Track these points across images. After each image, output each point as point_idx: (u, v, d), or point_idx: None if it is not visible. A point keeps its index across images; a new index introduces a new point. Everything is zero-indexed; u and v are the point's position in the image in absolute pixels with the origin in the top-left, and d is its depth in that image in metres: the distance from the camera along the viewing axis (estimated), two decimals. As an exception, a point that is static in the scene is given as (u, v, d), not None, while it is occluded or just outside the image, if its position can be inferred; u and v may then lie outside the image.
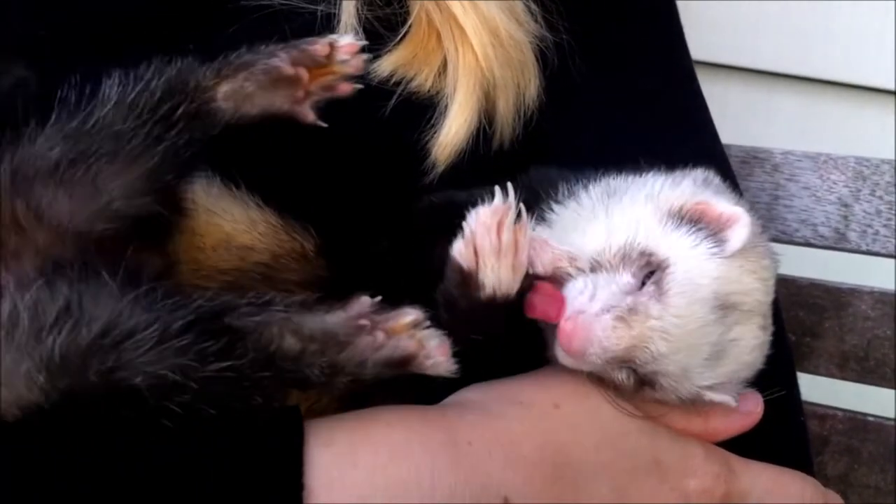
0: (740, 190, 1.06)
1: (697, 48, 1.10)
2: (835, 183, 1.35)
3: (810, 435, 1.04)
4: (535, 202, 0.83)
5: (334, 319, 0.72)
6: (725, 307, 0.76)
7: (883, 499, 1.35)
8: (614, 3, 1.02)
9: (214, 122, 0.80)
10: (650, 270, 0.76)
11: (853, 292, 1.36)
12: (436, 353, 0.72)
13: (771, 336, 0.81)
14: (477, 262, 0.75)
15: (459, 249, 0.76)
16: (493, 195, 0.76)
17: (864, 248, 1.34)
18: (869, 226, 1.34)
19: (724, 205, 0.79)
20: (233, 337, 0.70)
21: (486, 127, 0.93)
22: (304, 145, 0.88)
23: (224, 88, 0.80)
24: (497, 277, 0.75)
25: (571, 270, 0.78)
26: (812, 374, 1.36)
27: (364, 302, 0.73)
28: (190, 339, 0.69)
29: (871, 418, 1.37)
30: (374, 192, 0.88)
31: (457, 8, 0.91)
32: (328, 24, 0.91)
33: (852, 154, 1.35)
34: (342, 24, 0.91)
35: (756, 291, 0.78)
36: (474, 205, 0.77)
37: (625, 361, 0.75)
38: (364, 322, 0.72)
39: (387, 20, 0.93)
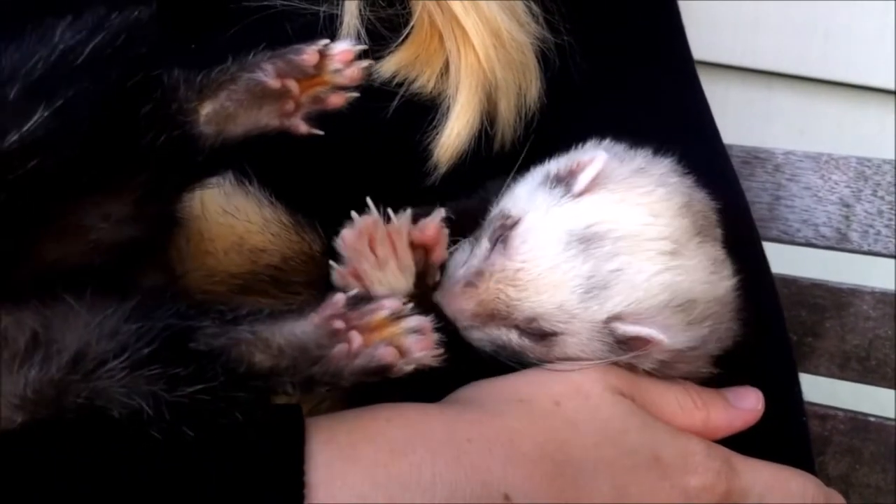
0: (741, 188, 1.07)
1: (698, 48, 1.10)
2: (836, 183, 1.35)
3: (811, 435, 1.04)
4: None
5: (305, 328, 0.71)
6: (588, 240, 0.76)
7: (884, 498, 1.35)
8: (615, 4, 1.02)
9: (196, 148, 0.74)
10: (504, 232, 0.79)
11: (854, 292, 1.36)
12: (415, 350, 0.71)
13: (702, 256, 0.79)
14: (364, 283, 0.78)
15: (337, 281, 0.78)
16: (359, 212, 0.78)
17: (865, 248, 1.34)
18: (870, 226, 1.34)
19: (583, 154, 0.82)
20: (201, 361, 0.69)
21: (488, 128, 0.93)
22: (304, 146, 0.88)
23: (206, 110, 0.75)
24: (388, 287, 0.78)
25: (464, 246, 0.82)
26: (813, 374, 1.36)
27: (337, 300, 0.72)
28: (159, 367, 0.67)
29: (872, 418, 1.37)
30: (377, 194, 0.88)
31: (458, 9, 0.91)
32: (331, 26, 0.91)
33: (854, 154, 1.35)
34: (344, 25, 0.91)
35: (627, 217, 0.77)
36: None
37: (494, 318, 0.77)
38: (338, 324, 0.70)
39: (389, 21, 0.93)
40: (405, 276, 0.78)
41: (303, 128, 0.76)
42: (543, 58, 0.96)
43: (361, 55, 0.76)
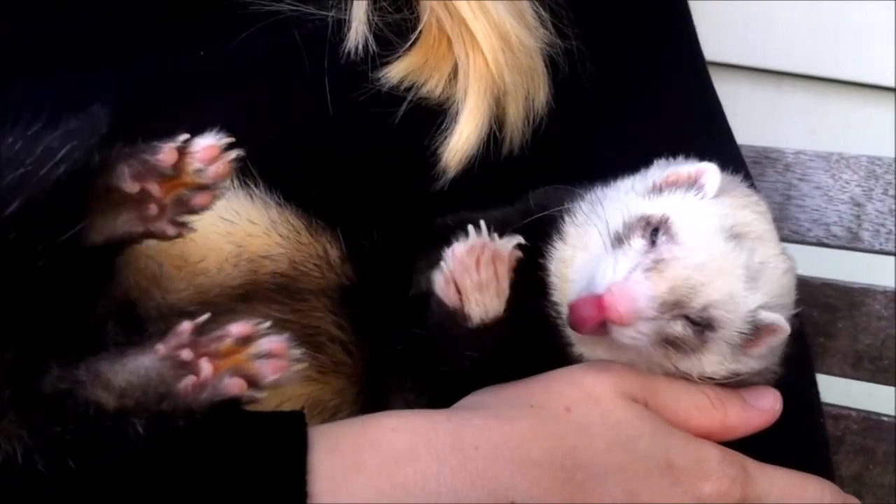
0: (757, 188, 1.06)
1: (708, 48, 1.10)
2: (847, 182, 1.34)
3: (825, 436, 1.04)
4: (545, 221, 0.86)
5: (149, 362, 0.67)
6: (735, 235, 0.80)
7: (898, 498, 1.35)
8: (624, 7, 1.02)
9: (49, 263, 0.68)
10: (654, 229, 0.80)
11: (866, 292, 1.35)
12: (267, 374, 0.68)
13: (790, 264, 0.84)
14: (461, 298, 0.78)
15: (441, 288, 0.79)
16: (475, 227, 0.78)
17: (876, 247, 1.34)
18: (882, 225, 1.33)
19: (688, 166, 0.85)
20: (52, 406, 0.66)
21: (497, 133, 0.93)
22: (311, 152, 0.88)
23: None
24: (483, 309, 0.78)
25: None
26: (826, 373, 1.36)
27: (183, 329, 0.67)
28: (19, 414, 0.65)
29: (885, 418, 1.37)
30: (386, 199, 0.88)
31: (467, 13, 0.91)
32: (339, 31, 0.91)
33: (864, 153, 1.34)
34: (352, 30, 0.91)
35: (755, 221, 0.83)
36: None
37: (675, 306, 0.77)
38: (185, 354, 0.66)
39: (397, 26, 0.93)
40: (500, 300, 0.79)
41: (170, 231, 0.70)
42: (552, 62, 0.96)
43: (229, 147, 0.70)
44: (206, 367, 0.66)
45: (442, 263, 0.78)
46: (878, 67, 1.72)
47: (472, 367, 0.80)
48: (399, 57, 0.92)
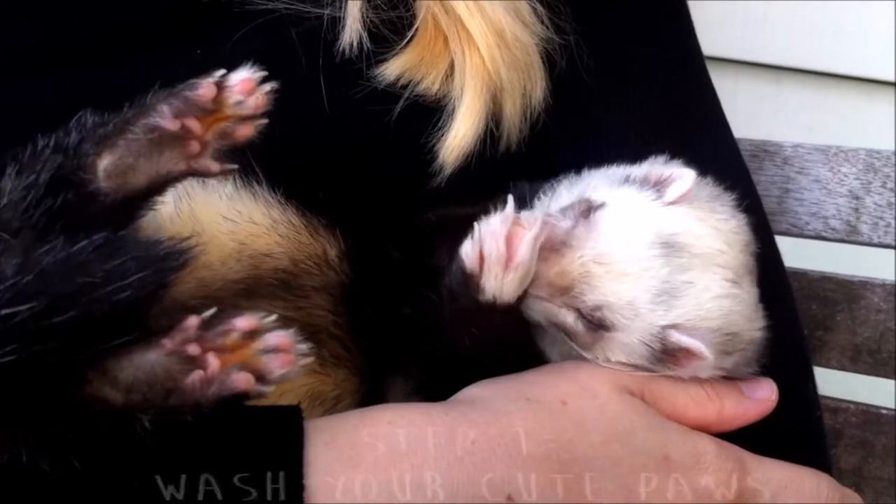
0: (753, 182, 1.06)
1: (707, 43, 1.09)
2: (846, 175, 1.34)
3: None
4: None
5: (155, 357, 0.66)
6: (670, 246, 0.77)
7: (897, 491, 1.35)
8: (621, 2, 1.02)
9: (96, 208, 0.70)
10: (588, 212, 0.79)
11: (865, 285, 1.35)
12: (274, 369, 0.68)
13: (749, 293, 0.81)
14: (481, 267, 0.76)
15: (467, 251, 0.76)
16: (504, 203, 0.77)
17: (875, 240, 1.34)
18: (880, 218, 1.33)
19: (667, 168, 0.83)
20: (56, 404, 0.65)
21: (494, 129, 0.93)
22: (308, 149, 0.88)
23: (104, 163, 0.70)
24: (500, 286, 0.76)
25: None
26: (824, 367, 1.36)
27: (189, 324, 0.67)
28: (23, 415, 0.65)
29: (884, 411, 1.37)
30: (384, 196, 0.89)
31: (463, 11, 0.91)
32: (333, 28, 0.91)
33: (863, 146, 1.34)
34: (347, 27, 0.91)
35: (706, 237, 0.79)
36: (471, 221, 0.78)
37: (564, 292, 0.76)
38: (192, 349, 0.66)
39: (393, 24, 0.93)
40: (519, 288, 0.76)
41: (214, 167, 0.72)
42: (549, 58, 0.96)
43: (263, 80, 0.72)
44: (213, 361, 0.66)
45: (475, 227, 0.76)
46: (876, 62, 1.71)
47: (470, 349, 0.79)
48: (395, 54, 0.92)
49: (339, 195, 0.88)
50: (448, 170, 0.91)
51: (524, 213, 0.78)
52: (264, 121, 0.72)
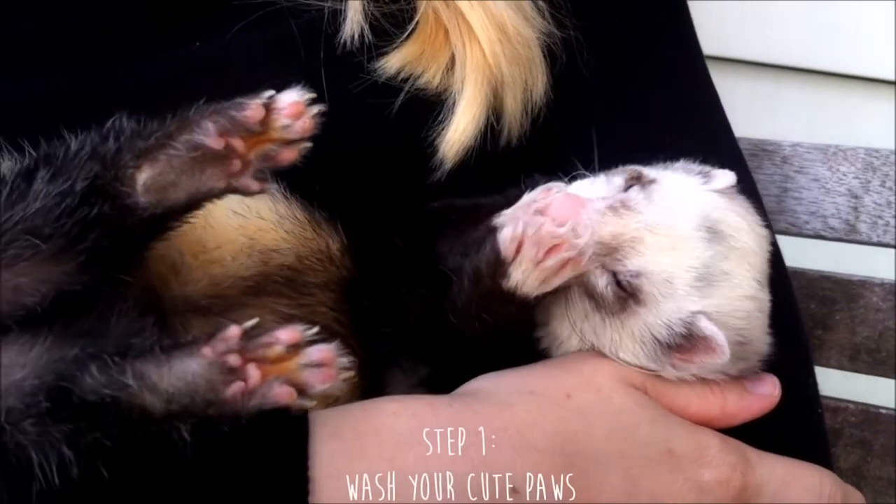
0: (753, 181, 1.06)
1: (707, 42, 1.09)
2: (844, 174, 1.34)
3: (823, 428, 1.04)
4: None
5: (195, 366, 0.66)
6: (713, 232, 0.78)
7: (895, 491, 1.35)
8: None
9: (133, 222, 0.70)
10: (640, 184, 0.79)
11: (864, 284, 1.35)
12: (316, 384, 0.68)
13: (769, 302, 0.82)
14: (515, 257, 0.75)
15: (505, 238, 0.75)
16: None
17: (874, 239, 1.34)
18: (879, 217, 1.33)
19: (713, 169, 0.84)
20: (90, 414, 0.65)
21: (494, 124, 0.93)
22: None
23: (144, 177, 0.70)
24: (524, 279, 0.75)
25: None
26: (823, 366, 1.36)
27: (230, 334, 0.67)
28: (51, 425, 0.65)
29: (882, 410, 1.37)
30: (384, 190, 0.88)
31: (464, 4, 0.91)
32: (334, 21, 0.91)
33: (862, 145, 1.34)
34: (349, 20, 0.91)
35: (744, 232, 0.79)
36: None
37: (610, 252, 0.76)
38: (233, 360, 0.66)
39: (393, 17, 0.92)
40: (542, 287, 0.76)
41: (254, 186, 0.71)
42: (550, 52, 0.95)
43: (311, 102, 0.71)
44: (254, 373, 0.66)
45: (522, 212, 0.76)
46: (876, 61, 1.71)
47: (476, 336, 0.78)
48: (396, 47, 0.92)
49: (340, 188, 0.87)
50: (448, 164, 0.91)
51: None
52: (309, 145, 0.71)
